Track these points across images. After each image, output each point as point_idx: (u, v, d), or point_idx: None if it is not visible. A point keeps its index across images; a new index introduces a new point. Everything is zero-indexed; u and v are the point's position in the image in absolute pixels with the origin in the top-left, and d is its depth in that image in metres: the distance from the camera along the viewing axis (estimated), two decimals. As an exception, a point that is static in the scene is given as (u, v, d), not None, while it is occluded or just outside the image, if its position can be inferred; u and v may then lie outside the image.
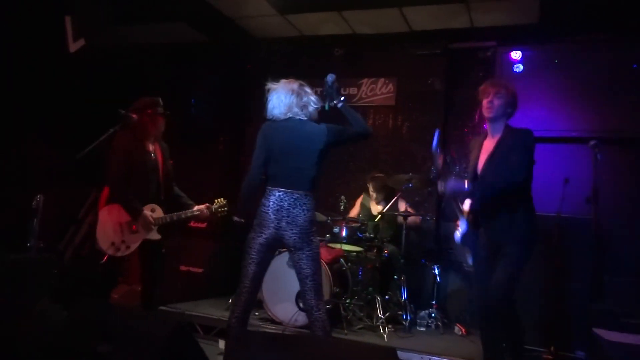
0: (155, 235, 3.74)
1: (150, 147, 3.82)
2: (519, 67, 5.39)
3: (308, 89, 3.25)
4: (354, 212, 5.36)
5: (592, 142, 3.60)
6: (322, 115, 3.30)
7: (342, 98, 3.27)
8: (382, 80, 6.09)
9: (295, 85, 3.22)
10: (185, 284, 5.53)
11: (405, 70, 6.02)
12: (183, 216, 3.81)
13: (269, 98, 3.22)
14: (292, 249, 3.08)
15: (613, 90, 5.04)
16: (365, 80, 6.15)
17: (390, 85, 6.06)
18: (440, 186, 3.23)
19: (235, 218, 3.25)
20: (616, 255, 4.68)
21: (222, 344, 4.09)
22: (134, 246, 3.71)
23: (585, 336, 3.79)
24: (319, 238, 3.24)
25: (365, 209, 5.37)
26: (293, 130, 3.11)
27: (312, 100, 3.21)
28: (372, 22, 5.74)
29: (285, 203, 3.02)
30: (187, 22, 5.90)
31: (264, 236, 3.03)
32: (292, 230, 3.01)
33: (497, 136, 3.26)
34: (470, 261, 3.24)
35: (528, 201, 3.23)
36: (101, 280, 3.90)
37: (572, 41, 5.32)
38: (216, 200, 3.90)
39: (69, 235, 6.06)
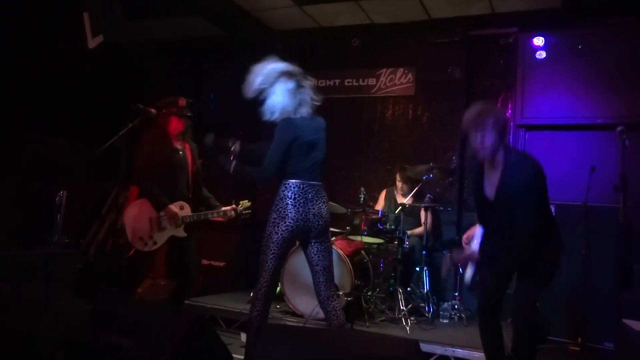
0: (181, 233, 3.76)
1: (179, 146, 3.83)
2: (542, 54, 5.27)
3: (306, 84, 3.23)
4: (379, 207, 5.32)
5: (619, 128, 3.48)
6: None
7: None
8: (401, 70, 6.02)
9: (293, 83, 3.19)
10: (207, 277, 5.57)
11: (424, 59, 5.94)
12: (210, 215, 3.85)
13: (271, 92, 3.19)
14: (314, 240, 3.11)
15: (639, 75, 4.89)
16: (384, 71, 6.08)
17: (410, 75, 5.98)
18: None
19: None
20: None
21: (244, 337, 4.11)
22: (160, 242, 3.74)
23: (614, 327, 3.70)
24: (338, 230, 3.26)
25: (391, 202, 5.32)
26: (309, 126, 3.15)
27: (312, 96, 3.23)
28: (390, 11, 5.66)
29: (310, 195, 3.06)
30: (203, 16, 5.90)
31: (286, 228, 3.02)
32: (318, 222, 3.07)
33: (500, 165, 2.84)
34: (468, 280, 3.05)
35: (547, 224, 2.87)
36: (126, 275, 3.95)
37: (595, 25, 5.18)
38: (241, 202, 3.93)
39: (92, 231, 6.14)
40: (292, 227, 3.02)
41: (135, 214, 3.79)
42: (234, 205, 3.88)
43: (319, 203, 3.09)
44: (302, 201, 3.03)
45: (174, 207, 3.70)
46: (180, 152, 3.83)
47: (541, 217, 2.78)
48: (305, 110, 3.15)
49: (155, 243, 3.74)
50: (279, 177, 3.11)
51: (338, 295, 3.19)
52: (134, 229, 3.77)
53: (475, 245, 2.96)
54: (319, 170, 3.16)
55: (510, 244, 2.75)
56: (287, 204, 3.03)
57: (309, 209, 3.04)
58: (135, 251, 3.79)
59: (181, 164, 3.81)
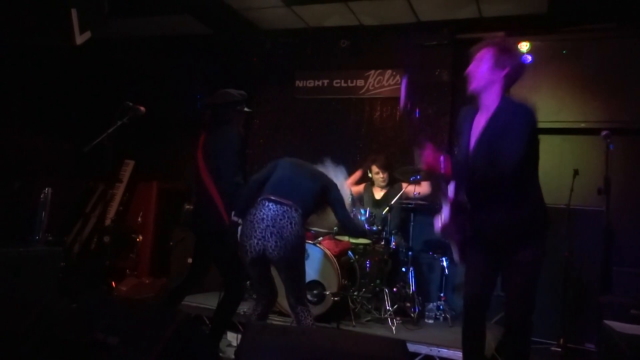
0: None
1: None
2: (528, 58, 5.33)
3: None
4: (355, 189, 5.27)
5: (604, 133, 3.55)
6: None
7: None
8: (389, 71, 6.05)
9: None
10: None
11: (412, 61, 5.97)
12: None
13: None
14: (278, 267, 3.13)
15: (623, 80, 4.99)
16: (372, 72, 6.11)
17: (398, 77, 6.01)
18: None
19: (234, 218, 3.23)
20: (626, 247, 4.65)
21: (230, 335, 4.10)
22: None
23: (595, 328, 3.77)
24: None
25: (368, 196, 5.31)
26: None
27: None
28: (379, 13, 5.69)
29: (272, 212, 3.04)
30: (192, 14, 5.87)
31: (245, 251, 3.08)
32: (278, 249, 3.00)
33: (491, 109, 2.65)
34: (456, 258, 2.96)
35: (534, 189, 2.70)
36: (108, 273, 3.90)
37: (581, 31, 5.26)
38: None
39: (76, 229, 6.08)
40: (248, 246, 3.06)
41: None
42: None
43: (283, 222, 3.04)
44: (260, 218, 3.04)
45: None
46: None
47: (530, 162, 2.58)
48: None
49: None
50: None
51: (305, 298, 3.20)
52: None
53: (450, 190, 2.82)
54: (298, 194, 3.15)
55: (492, 199, 2.59)
56: (248, 220, 3.10)
57: (268, 226, 3.03)
58: (119, 249, 3.73)
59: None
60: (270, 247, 2.94)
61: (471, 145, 2.69)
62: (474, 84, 2.65)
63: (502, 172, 2.50)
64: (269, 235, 2.93)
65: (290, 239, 2.93)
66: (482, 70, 2.61)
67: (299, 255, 3.05)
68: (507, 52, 2.62)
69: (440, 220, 2.77)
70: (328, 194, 3.19)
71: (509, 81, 2.64)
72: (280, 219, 2.94)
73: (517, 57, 2.66)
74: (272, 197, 3.00)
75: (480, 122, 2.69)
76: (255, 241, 2.95)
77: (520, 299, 2.63)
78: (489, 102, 2.64)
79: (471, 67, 2.66)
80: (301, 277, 3.13)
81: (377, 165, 5.21)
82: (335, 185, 3.24)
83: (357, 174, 5.39)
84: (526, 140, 2.51)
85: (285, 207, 2.97)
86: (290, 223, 2.95)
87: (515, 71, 2.63)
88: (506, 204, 2.59)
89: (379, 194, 5.26)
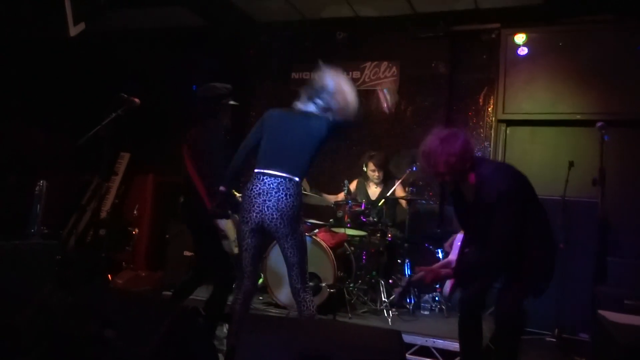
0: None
1: None
2: (524, 50, 5.34)
3: (329, 85, 3.18)
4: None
5: (598, 124, 3.55)
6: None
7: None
8: (385, 63, 6.04)
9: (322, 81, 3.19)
10: (189, 269, 5.54)
11: (408, 53, 5.97)
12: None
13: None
14: (277, 235, 3.05)
15: (619, 72, 4.99)
16: (368, 64, 6.10)
17: (394, 69, 6.00)
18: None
19: (221, 188, 3.20)
20: (621, 238, 4.68)
21: (227, 328, 4.11)
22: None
23: (590, 319, 3.79)
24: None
25: (362, 193, 5.32)
26: (295, 119, 3.14)
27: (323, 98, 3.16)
28: (375, 5, 5.67)
29: (266, 186, 3.00)
30: (187, 6, 5.83)
31: (243, 219, 3.07)
32: (274, 215, 2.98)
33: (471, 191, 2.73)
34: (445, 292, 3.04)
35: (533, 240, 2.68)
36: (104, 266, 3.89)
37: (577, 23, 5.26)
38: None
39: (72, 222, 6.07)
40: (246, 219, 3.03)
41: None
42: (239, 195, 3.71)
43: (277, 194, 2.97)
44: (257, 191, 3.00)
45: None
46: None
47: (515, 235, 2.59)
48: (307, 106, 3.17)
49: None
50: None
51: (310, 288, 3.16)
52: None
53: (453, 255, 2.99)
54: (292, 162, 3.06)
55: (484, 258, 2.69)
56: (245, 194, 3.05)
57: (264, 200, 2.98)
58: (115, 242, 3.74)
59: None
60: (268, 219, 2.97)
61: (469, 211, 2.79)
62: (453, 187, 2.76)
63: (491, 260, 2.62)
64: (265, 209, 2.96)
65: (286, 211, 2.96)
66: (448, 177, 2.65)
67: (297, 226, 3.05)
68: (451, 147, 2.60)
69: (449, 287, 2.95)
70: (328, 136, 3.13)
71: (470, 160, 2.64)
72: (276, 192, 2.96)
73: (458, 141, 2.62)
74: (266, 171, 3.01)
75: (469, 196, 2.75)
76: (254, 214, 2.98)
77: (509, 312, 2.65)
78: (469, 180, 2.69)
79: (441, 180, 2.70)
80: (305, 256, 3.11)
81: (374, 162, 5.21)
82: (330, 123, 3.12)
83: (353, 185, 5.37)
84: (509, 226, 2.56)
85: (279, 179, 2.98)
86: (286, 195, 2.96)
87: (466, 152, 2.62)
88: (492, 262, 2.67)
89: (374, 192, 5.26)
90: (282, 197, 2.96)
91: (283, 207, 2.96)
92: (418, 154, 2.71)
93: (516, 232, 2.58)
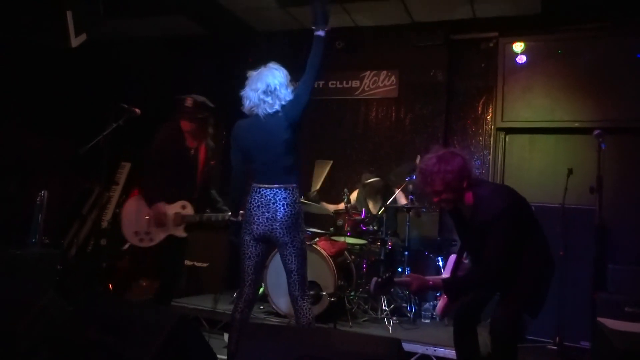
0: (181, 232, 3.70)
1: (191, 144, 3.76)
2: (522, 58, 5.37)
3: (271, 82, 3.15)
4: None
5: (596, 132, 3.57)
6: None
7: (327, 28, 3.21)
8: (384, 72, 6.07)
9: (259, 81, 3.16)
10: (190, 278, 5.55)
11: (407, 62, 6.00)
12: (213, 218, 3.72)
13: (242, 95, 3.23)
14: (279, 244, 3.08)
15: (617, 80, 5.02)
16: (367, 73, 6.13)
17: (393, 77, 6.04)
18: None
19: (232, 218, 3.24)
20: (619, 244, 4.68)
21: (227, 337, 4.10)
22: (157, 239, 3.68)
23: (590, 326, 3.79)
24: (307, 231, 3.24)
25: (362, 205, 5.33)
26: (258, 126, 3.10)
27: (276, 95, 3.14)
28: (374, 14, 5.72)
29: (264, 199, 3.03)
30: (186, 15, 5.88)
31: (247, 232, 3.09)
32: (273, 226, 3.02)
33: (468, 214, 2.77)
34: (438, 310, 3.03)
35: (530, 261, 2.69)
36: (105, 275, 3.91)
37: (575, 31, 5.29)
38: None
39: (73, 231, 6.07)
40: (249, 232, 3.08)
41: (134, 208, 3.75)
42: (243, 212, 3.54)
43: (275, 205, 3.00)
44: (256, 205, 3.04)
45: (163, 207, 3.63)
46: (192, 151, 3.76)
47: (508, 255, 2.59)
48: (258, 110, 3.11)
49: (151, 240, 3.68)
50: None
51: (309, 297, 3.17)
52: (129, 223, 3.74)
53: (445, 274, 2.98)
54: (279, 170, 3.05)
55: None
56: (247, 208, 3.09)
57: (263, 212, 3.02)
58: (130, 251, 3.77)
59: (190, 163, 3.74)
60: (269, 230, 3.04)
61: (468, 231, 2.83)
62: (451, 206, 2.75)
63: (482, 277, 2.64)
64: (265, 220, 3.02)
65: (285, 220, 3.01)
66: (445, 196, 2.66)
67: (298, 233, 3.07)
68: (449, 167, 2.62)
69: (440, 304, 2.89)
70: (291, 116, 3.11)
71: (467, 179, 2.65)
72: (274, 203, 3.01)
73: (455, 161, 2.64)
74: (260, 185, 3.06)
75: (467, 216, 2.78)
76: (255, 226, 3.05)
77: (504, 321, 2.64)
78: (467, 200, 2.70)
79: (437, 200, 2.71)
80: (305, 264, 3.13)
81: (366, 192, 5.24)
82: (284, 110, 3.10)
83: (354, 196, 5.39)
84: (503, 246, 2.57)
85: (275, 190, 3.03)
86: (283, 205, 3.01)
87: (463, 171, 2.64)
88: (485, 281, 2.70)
89: (374, 206, 5.26)
90: (279, 208, 3.00)
91: (281, 217, 3.00)
92: (416, 172, 2.75)
93: (510, 253, 2.58)
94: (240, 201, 3.22)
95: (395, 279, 2.78)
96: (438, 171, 2.61)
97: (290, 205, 3.02)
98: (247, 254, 3.11)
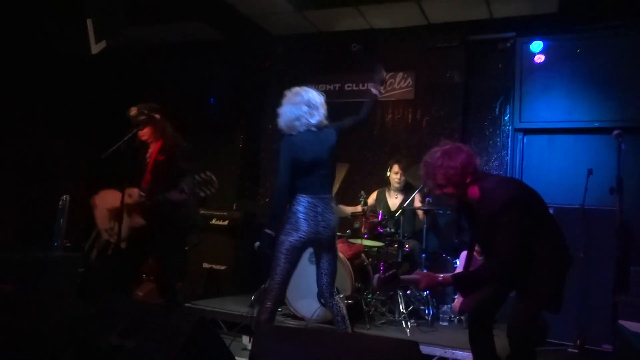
0: (138, 221, 3.75)
1: (151, 146, 3.87)
2: (540, 58, 5.32)
3: (313, 98, 3.31)
4: (369, 199, 5.29)
5: (616, 132, 3.52)
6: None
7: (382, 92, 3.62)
8: (400, 74, 6.06)
9: (300, 97, 3.29)
10: (209, 281, 5.59)
11: (423, 63, 5.98)
12: (161, 198, 3.64)
13: (280, 111, 3.33)
14: (324, 249, 3.33)
15: (636, 79, 4.94)
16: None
17: (409, 79, 6.02)
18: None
19: (268, 231, 3.24)
20: (641, 246, 4.60)
21: (245, 339, 4.14)
22: (123, 233, 3.72)
23: (611, 329, 3.73)
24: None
25: (382, 204, 5.32)
26: (313, 141, 3.25)
27: (320, 110, 3.32)
28: (390, 16, 5.72)
29: (319, 208, 3.21)
30: (204, 21, 5.95)
31: (298, 239, 3.19)
32: (327, 233, 3.26)
33: (475, 207, 2.74)
34: (455, 305, 2.99)
35: (541, 253, 2.63)
36: (125, 277, 3.96)
37: (593, 30, 5.23)
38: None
39: (93, 235, 6.17)
40: (303, 238, 3.19)
41: (100, 206, 3.90)
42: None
43: (328, 214, 3.24)
44: (312, 215, 3.19)
45: (113, 198, 3.75)
46: (147, 152, 3.88)
47: (521, 248, 2.55)
48: (311, 125, 3.25)
49: (116, 235, 3.74)
50: (290, 192, 3.24)
51: (338, 293, 3.43)
52: (100, 220, 3.91)
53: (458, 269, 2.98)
54: (328, 182, 3.31)
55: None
56: (299, 217, 3.19)
57: (319, 221, 3.20)
58: (134, 253, 3.84)
59: (142, 162, 3.87)
60: (321, 236, 3.25)
61: (473, 235, 2.90)
62: (455, 200, 2.77)
63: (495, 272, 2.61)
64: (321, 229, 3.23)
65: (333, 226, 3.31)
66: (447, 191, 2.67)
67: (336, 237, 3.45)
68: (452, 162, 2.62)
69: (459, 303, 2.97)
70: (338, 136, 3.37)
71: (471, 175, 2.64)
72: (327, 212, 3.25)
73: (460, 155, 2.63)
74: (315, 196, 3.23)
75: (473, 217, 2.78)
76: (308, 234, 3.20)
77: (521, 319, 2.62)
78: (473, 195, 2.69)
79: (440, 194, 2.74)
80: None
81: (399, 165, 5.22)
82: (335, 127, 3.37)
83: (372, 198, 5.39)
84: (514, 238, 2.53)
85: (326, 200, 3.26)
86: (332, 213, 3.29)
87: (467, 166, 2.63)
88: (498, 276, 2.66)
89: (394, 203, 5.25)
90: (332, 217, 3.27)
91: (333, 225, 3.29)
92: (421, 164, 2.75)
93: (522, 246, 2.54)
94: (282, 216, 3.31)
95: (402, 277, 2.78)
96: (441, 166, 2.62)
97: (335, 213, 3.32)
98: (291, 259, 3.22)
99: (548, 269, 2.61)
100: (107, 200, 3.84)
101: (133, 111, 3.79)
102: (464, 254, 3.00)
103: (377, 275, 2.79)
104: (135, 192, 3.74)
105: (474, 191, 2.67)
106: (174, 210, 3.74)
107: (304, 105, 3.23)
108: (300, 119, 3.22)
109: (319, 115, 3.27)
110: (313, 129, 3.25)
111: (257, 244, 3.26)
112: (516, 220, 2.53)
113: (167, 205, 3.68)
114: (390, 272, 2.75)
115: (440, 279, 2.67)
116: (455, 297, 4.90)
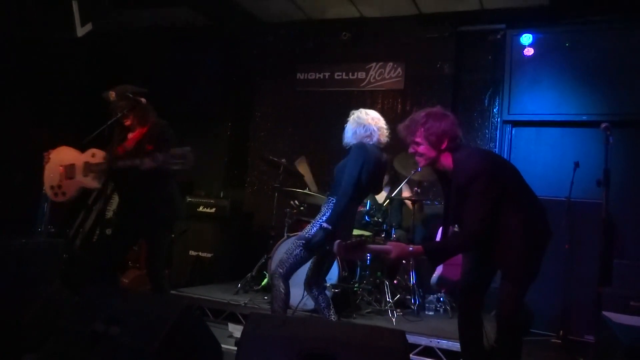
0: (92, 183, 3.55)
1: (135, 131, 3.65)
2: (530, 51, 5.32)
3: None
4: None
5: (603, 125, 3.53)
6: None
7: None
8: (390, 64, 6.04)
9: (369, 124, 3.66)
10: (195, 268, 5.57)
11: (413, 53, 5.97)
12: (121, 164, 3.39)
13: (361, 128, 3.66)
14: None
15: (625, 73, 4.98)
16: (373, 65, 6.10)
17: (399, 69, 6.01)
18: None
19: (325, 225, 3.27)
20: (625, 239, 4.66)
21: (231, 327, 4.12)
22: (70, 193, 3.58)
23: (594, 320, 3.78)
24: None
25: (370, 198, 5.30)
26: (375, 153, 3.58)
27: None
28: (380, 5, 5.68)
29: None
30: (190, 6, 5.85)
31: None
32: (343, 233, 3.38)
33: (449, 175, 2.76)
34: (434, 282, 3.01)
35: (516, 224, 2.62)
36: (110, 264, 3.87)
37: (583, 23, 5.24)
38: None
39: (78, 222, 6.10)
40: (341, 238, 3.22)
41: (52, 161, 3.64)
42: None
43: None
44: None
45: (71, 155, 3.56)
46: (128, 132, 3.67)
47: (490, 217, 2.56)
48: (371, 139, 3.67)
49: (64, 194, 3.57)
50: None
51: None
52: (47, 177, 3.63)
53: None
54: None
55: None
56: (347, 221, 3.48)
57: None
58: (118, 240, 3.73)
59: (120, 138, 3.62)
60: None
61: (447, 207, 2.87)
62: (424, 162, 2.77)
63: (463, 241, 2.65)
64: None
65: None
66: (421, 149, 2.72)
67: None
68: (434, 123, 2.67)
69: (435, 274, 3.08)
70: None
71: (449, 141, 2.68)
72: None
73: (443, 121, 2.69)
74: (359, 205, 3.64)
75: (447, 186, 2.80)
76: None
77: (506, 305, 2.64)
78: (446, 164, 2.73)
79: (412, 149, 2.77)
80: None
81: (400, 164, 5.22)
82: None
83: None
84: (483, 207, 2.55)
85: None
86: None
87: (447, 132, 2.67)
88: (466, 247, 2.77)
89: (380, 196, 5.24)
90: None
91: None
92: (406, 120, 2.79)
93: (490, 215, 2.55)
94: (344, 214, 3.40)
95: (372, 246, 2.78)
96: (424, 123, 2.68)
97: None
98: (322, 253, 3.46)
99: (520, 241, 2.61)
100: (62, 156, 3.60)
101: (112, 95, 3.53)
102: (438, 233, 3.00)
103: (337, 241, 2.66)
104: (99, 152, 3.52)
105: (447, 160, 2.71)
106: (163, 206, 3.65)
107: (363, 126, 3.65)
108: (368, 136, 3.63)
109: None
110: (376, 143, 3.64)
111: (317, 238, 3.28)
112: (483, 191, 2.54)
113: (156, 200, 3.57)
114: (356, 239, 2.67)
115: (411, 249, 2.66)
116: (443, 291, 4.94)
